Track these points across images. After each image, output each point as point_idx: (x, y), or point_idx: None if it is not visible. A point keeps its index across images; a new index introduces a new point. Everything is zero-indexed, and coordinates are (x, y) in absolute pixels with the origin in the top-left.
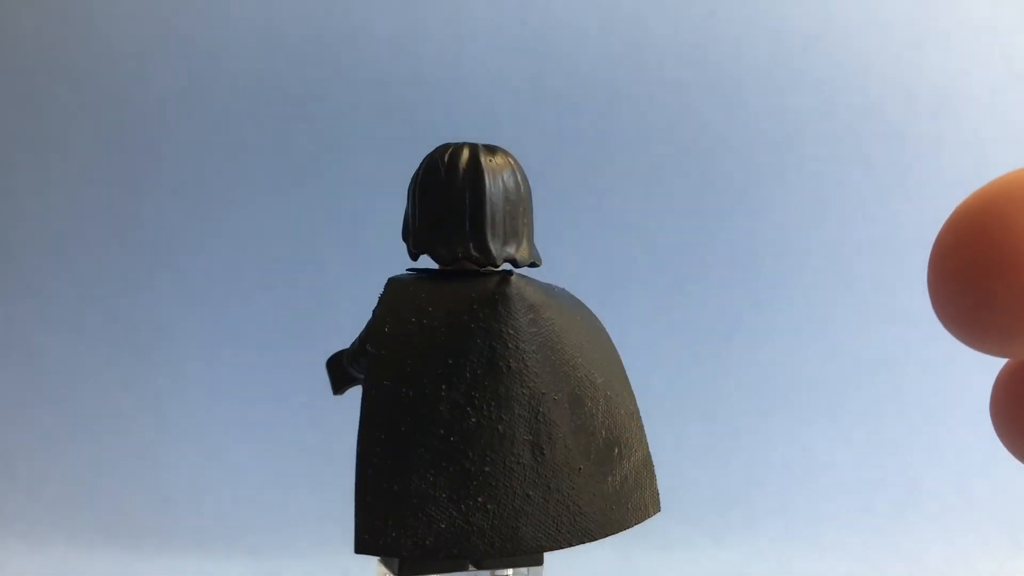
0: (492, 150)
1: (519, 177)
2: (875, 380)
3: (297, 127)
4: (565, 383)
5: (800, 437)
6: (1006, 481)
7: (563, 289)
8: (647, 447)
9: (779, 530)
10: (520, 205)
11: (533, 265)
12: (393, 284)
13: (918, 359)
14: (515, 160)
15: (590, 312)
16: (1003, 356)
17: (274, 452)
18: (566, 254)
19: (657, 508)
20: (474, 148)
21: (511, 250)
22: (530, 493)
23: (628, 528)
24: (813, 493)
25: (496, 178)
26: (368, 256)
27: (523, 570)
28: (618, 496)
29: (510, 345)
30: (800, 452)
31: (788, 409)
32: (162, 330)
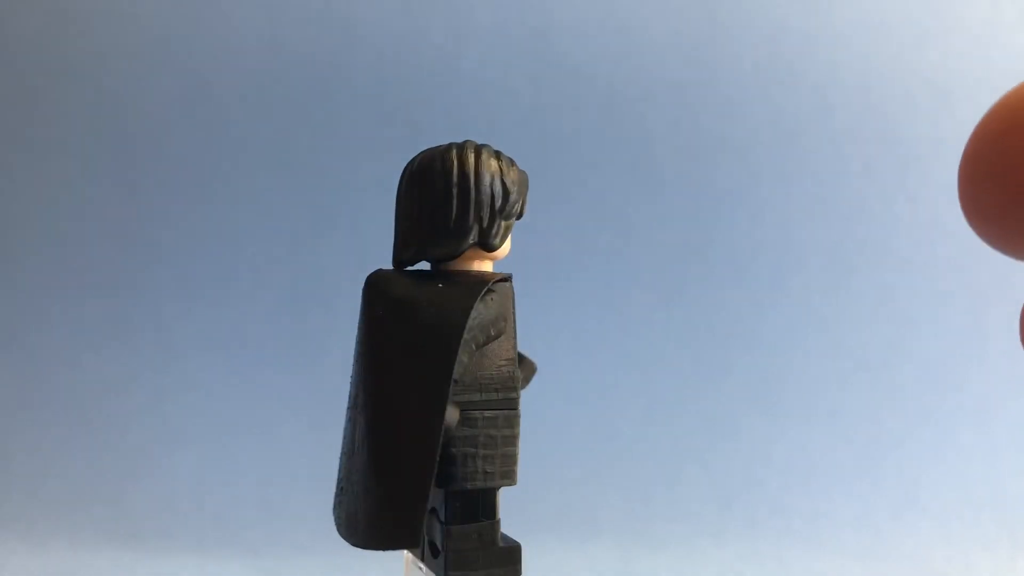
0: (444, 149)
1: (445, 175)
2: (875, 380)
3: (297, 127)
4: (371, 387)
5: (800, 437)
6: (1006, 481)
7: (458, 280)
8: (418, 477)
9: (779, 530)
10: (432, 202)
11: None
12: None
13: (918, 359)
14: (449, 155)
15: (449, 305)
16: None
17: (274, 452)
18: (566, 254)
19: (409, 544)
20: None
21: (414, 251)
22: (347, 494)
23: (381, 548)
24: (813, 493)
25: (414, 177)
26: (368, 256)
27: None
28: (378, 513)
29: (361, 342)
30: (800, 452)
31: (788, 409)
32: (162, 330)
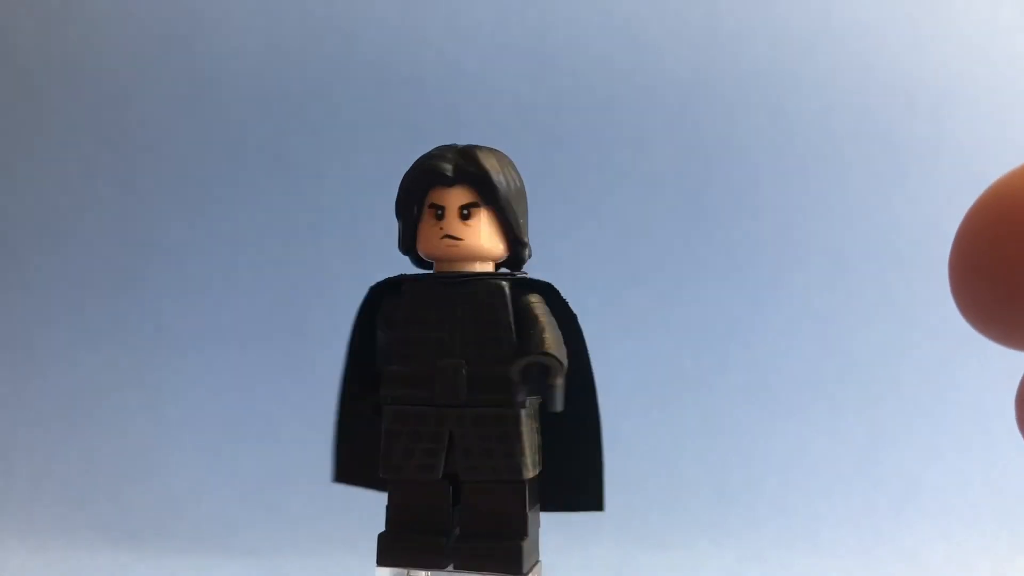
0: None
1: None
2: (875, 379)
3: (297, 126)
4: None
5: (800, 436)
6: (1006, 481)
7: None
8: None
9: (779, 530)
10: None
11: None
12: None
13: (918, 358)
14: None
15: None
16: None
17: (274, 452)
18: (566, 254)
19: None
20: None
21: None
22: None
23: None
24: (813, 493)
25: None
26: (368, 256)
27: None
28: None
29: None
30: (800, 452)
31: (788, 408)
32: (162, 329)
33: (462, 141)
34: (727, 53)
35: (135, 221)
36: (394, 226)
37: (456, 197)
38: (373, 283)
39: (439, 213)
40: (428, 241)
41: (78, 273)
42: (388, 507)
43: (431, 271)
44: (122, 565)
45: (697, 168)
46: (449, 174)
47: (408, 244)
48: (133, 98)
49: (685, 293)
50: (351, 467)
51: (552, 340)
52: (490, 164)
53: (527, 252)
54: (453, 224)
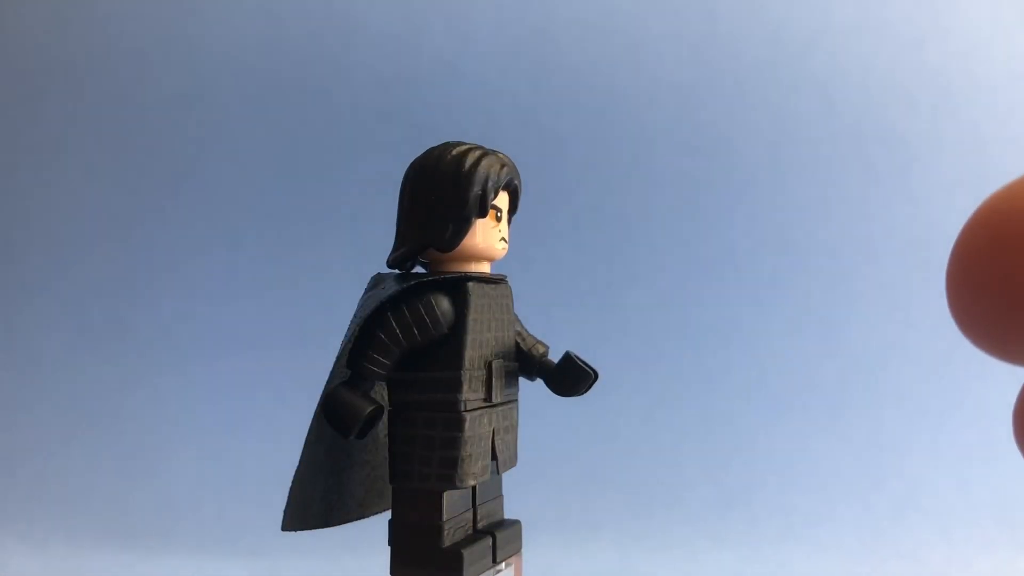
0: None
1: (405, 178)
2: (875, 380)
3: (297, 127)
4: None
5: (800, 437)
6: (1006, 481)
7: (390, 277)
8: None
9: (779, 530)
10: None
11: (397, 267)
12: None
13: (918, 359)
14: (419, 157)
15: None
16: None
17: (274, 452)
18: (566, 254)
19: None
20: None
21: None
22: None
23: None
24: (813, 493)
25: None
26: (369, 256)
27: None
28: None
29: None
30: (800, 452)
31: (788, 409)
32: (162, 330)
33: (460, 140)
34: (727, 53)
35: (136, 223)
36: (391, 226)
37: (505, 202)
38: (425, 280)
39: (499, 215)
40: (485, 241)
41: (79, 275)
42: (436, 519)
43: (462, 272)
44: (122, 565)
45: (697, 169)
46: (519, 180)
47: (457, 243)
48: (133, 98)
49: (685, 293)
50: (312, 509)
51: None
52: None
53: None
54: (505, 228)
